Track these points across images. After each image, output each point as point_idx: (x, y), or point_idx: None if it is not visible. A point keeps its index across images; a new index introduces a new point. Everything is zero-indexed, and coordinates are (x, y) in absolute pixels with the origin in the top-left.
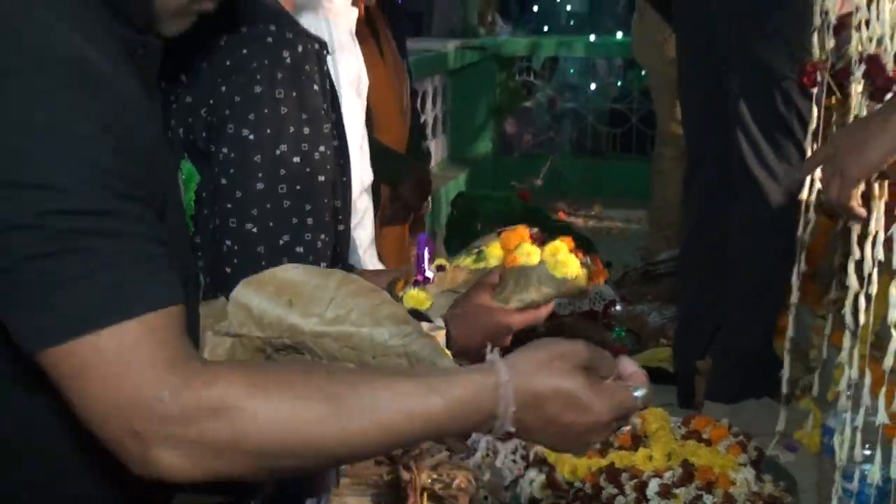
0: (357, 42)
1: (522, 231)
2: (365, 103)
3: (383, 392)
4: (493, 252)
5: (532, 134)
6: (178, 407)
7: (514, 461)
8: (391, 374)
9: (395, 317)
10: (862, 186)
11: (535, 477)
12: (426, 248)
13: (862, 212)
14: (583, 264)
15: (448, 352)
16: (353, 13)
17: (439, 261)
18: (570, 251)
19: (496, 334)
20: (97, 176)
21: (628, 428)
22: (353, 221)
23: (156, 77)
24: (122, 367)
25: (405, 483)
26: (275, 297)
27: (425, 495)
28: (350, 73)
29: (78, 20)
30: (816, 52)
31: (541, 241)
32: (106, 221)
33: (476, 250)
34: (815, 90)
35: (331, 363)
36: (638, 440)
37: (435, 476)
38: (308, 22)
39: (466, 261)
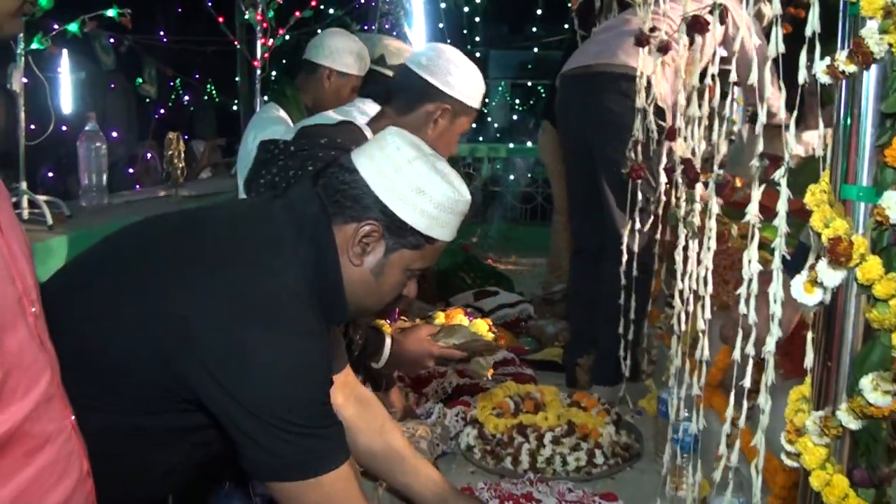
0: None
1: (459, 311)
2: None
3: None
4: (438, 317)
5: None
6: None
7: (457, 421)
8: None
9: None
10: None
11: (471, 431)
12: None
13: None
14: (492, 332)
15: None
16: None
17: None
18: (488, 328)
19: (420, 355)
20: (318, 397)
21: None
22: None
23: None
24: (332, 500)
25: None
26: None
27: None
28: None
29: (310, 308)
30: (640, 157)
31: (471, 317)
32: (323, 418)
33: (432, 321)
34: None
35: None
36: (538, 407)
37: (404, 429)
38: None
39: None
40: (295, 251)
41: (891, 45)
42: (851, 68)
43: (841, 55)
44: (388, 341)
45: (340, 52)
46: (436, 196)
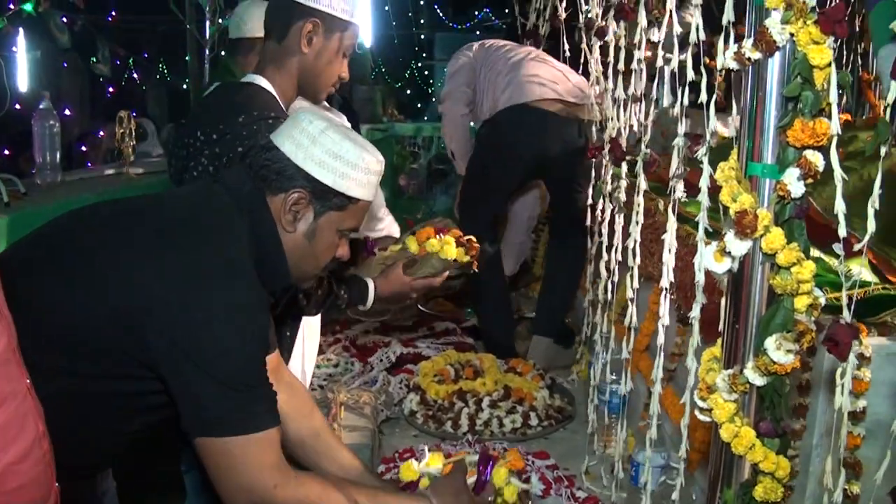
0: None
1: (429, 230)
2: None
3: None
4: (411, 244)
5: (416, 185)
6: (284, 494)
7: (400, 388)
8: (390, 498)
9: None
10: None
11: (414, 397)
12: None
13: None
14: (464, 247)
15: None
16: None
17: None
18: (457, 240)
19: (402, 293)
20: (257, 358)
21: None
22: None
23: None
24: (256, 461)
25: (330, 400)
26: None
27: (342, 407)
28: None
29: (255, 278)
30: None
31: (442, 233)
32: (259, 379)
33: (400, 244)
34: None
35: (360, 487)
36: (477, 373)
37: (349, 395)
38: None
39: (395, 248)
40: (238, 226)
41: (792, 34)
42: (756, 55)
43: (747, 43)
44: (371, 286)
45: None
46: (351, 159)
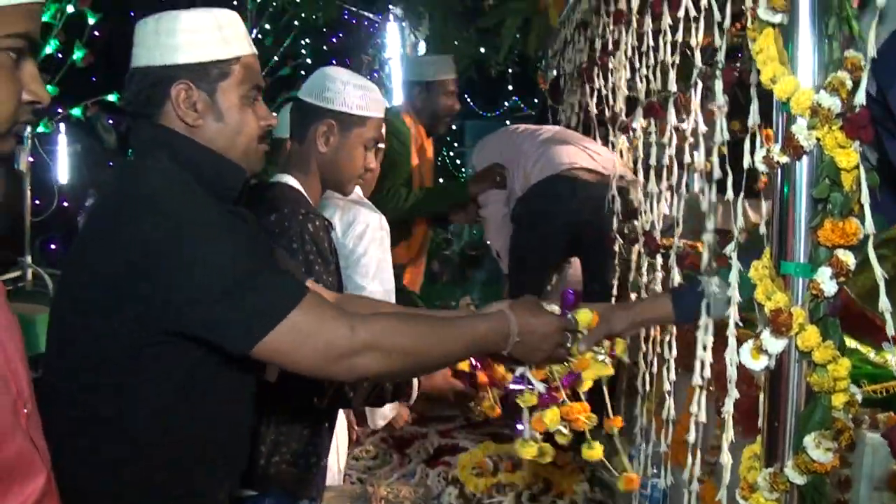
0: None
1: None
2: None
3: (459, 326)
4: None
5: (450, 271)
6: (360, 336)
7: (438, 481)
8: (459, 316)
9: None
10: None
11: (452, 491)
12: None
13: None
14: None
15: None
16: None
17: None
18: None
19: (444, 388)
20: (242, 256)
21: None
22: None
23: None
24: (314, 325)
25: (370, 494)
26: None
27: (383, 501)
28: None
29: (204, 196)
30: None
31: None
32: (260, 266)
33: None
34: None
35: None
36: (516, 466)
37: (389, 489)
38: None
39: None
40: (156, 162)
41: (818, 139)
42: (784, 159)
43: (775, 148)
44: (414, 381)
45: None
46: (194, 27)
